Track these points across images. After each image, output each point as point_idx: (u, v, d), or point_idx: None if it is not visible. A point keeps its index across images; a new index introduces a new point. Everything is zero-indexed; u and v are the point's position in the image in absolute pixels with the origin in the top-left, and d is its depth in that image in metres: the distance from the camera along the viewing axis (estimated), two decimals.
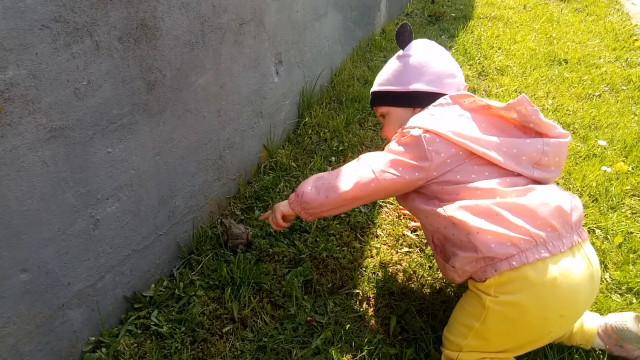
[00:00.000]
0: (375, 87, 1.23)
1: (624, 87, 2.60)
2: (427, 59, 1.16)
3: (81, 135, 0.92)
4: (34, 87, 0.81)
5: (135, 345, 1.09)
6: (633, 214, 1.64)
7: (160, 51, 1.07)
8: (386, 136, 1.22)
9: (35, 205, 0.86)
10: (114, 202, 1.04)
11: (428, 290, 1.29)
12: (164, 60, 1.09)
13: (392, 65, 1.20)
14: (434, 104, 1.10)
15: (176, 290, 1.22)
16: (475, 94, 2.38)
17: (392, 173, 1.02)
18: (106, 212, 1.03)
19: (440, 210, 0.99)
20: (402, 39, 1.19)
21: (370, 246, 1.44)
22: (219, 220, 1.43)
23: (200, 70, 1.24)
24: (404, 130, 1.06)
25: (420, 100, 1.13)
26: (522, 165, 1.00)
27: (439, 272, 1.34)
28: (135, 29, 0.99)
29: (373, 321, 1.20)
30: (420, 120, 1.05)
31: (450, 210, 0.97)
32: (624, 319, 1.10)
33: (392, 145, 1.07)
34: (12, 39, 0.75)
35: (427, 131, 1.01)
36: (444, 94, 1.11)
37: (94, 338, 1.07)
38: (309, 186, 1.10)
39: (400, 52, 1.19)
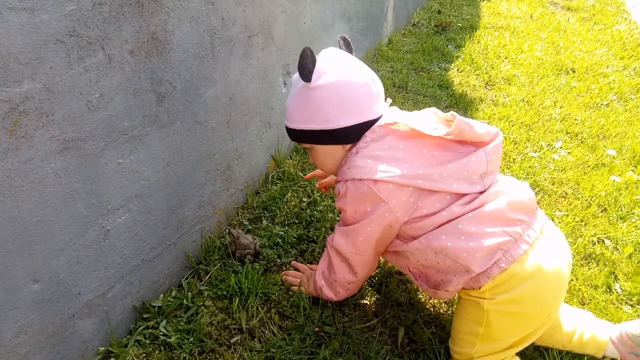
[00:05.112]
0: (293, 125, 1.08)
1: (633, 96, 2.59)
2: (343, 84, 1.01)
3: (93, 146, 0.93)
4: (48, 100, 0.82)
5: (144, 355, 1.09)
6: None
7: (170, 64, 1.09)
8: (314, 163, 1.17)
9: (48, 215, 0.87)
10: (124, 213, 1.05)
11: (436, 301, 1.29)
12: (174, 73, 1.11)
13: (305, 99, 1.04)
14: (367, 139, 1.03)
15: (184, 301, 1.23)
16: (482, 103, 2.39)
17: (370, 237, 1.06)
18: (116, 223, 1.04)
19: (418, 243, 1.00)
20: (309, 70, 1.01)
21: None
22: (227, 230, 1.43)
23: (209, 82, 1.25)
24: (347, 182, 1.03)
25: (349, 136, 1.04)
26: (474, 184, 1.00)
27: None
28: (146, 42, 1.00)
29: (381, 332, 1.20)
30: (364, 170, 1.00)
31: (430, 241, 0.99)
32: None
33: (349, 213, 1.05)
34: (27, 54, 0.77)
35: (376, 181, 0.98)
36: (374, 119, 1.04)
37: (103, 348, 1.08)
38: (327, 290, 1.20)
39: (309, 84, 1.02)
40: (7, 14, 0.73)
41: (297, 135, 1.10)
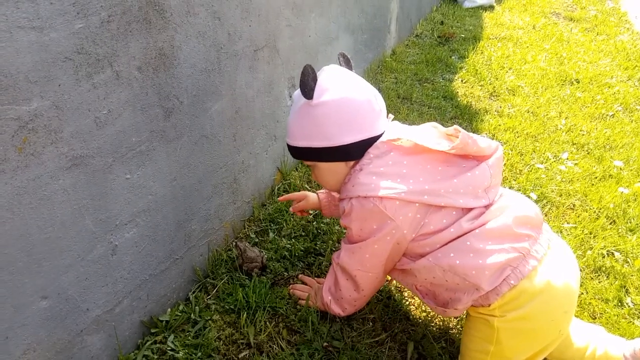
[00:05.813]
0: (295, 142, 1.08)
1: (638, 107, 2.58)
2: (344, 101, 1.01)
3: (101, 162, 0.94)
4: (57, 118, 0.83)
5: None
6: None
7: (177, 79, 1.10)
8: (317, 180, 1.16)
9: (56, 232, 0.87)
10: (132, 228, 1.05)
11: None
12: (181, 88, 1.11)
13: (307, 116, 1.03)
14: (370, 155, 1.02)
15: (192, 315, 1.22)
16: (487, 114, 2.39)
17: (377, 255, 1.05)
18: (124, 238, 1.03)
19: (426, 261, 0.99)
20: (310, 87, 1.00)
21: None
22: (234, 244, 1.43)
23: (216, 96, 1.26)
24: (352, 200, 1.01)
25: (352, 153, 1.03)
26: (479, 198, 1.00)
27: None
28: (154, 58, 1.01)
29: (390, 347, 1.19)
30: (369, 187, 0.99)
31: (438, 259, 0.98)
32: None
33: (355, 231, 1.04)
34: (36, 72, 0.77)
35: (382, 198, 0.97)
36: (376, 136, 1.03)
37: None
38: (334, 306, 1.19)
39: (310, 101, 1.01)
40: (17, 33, 0.73)
41: (299, 153, 1.10)
